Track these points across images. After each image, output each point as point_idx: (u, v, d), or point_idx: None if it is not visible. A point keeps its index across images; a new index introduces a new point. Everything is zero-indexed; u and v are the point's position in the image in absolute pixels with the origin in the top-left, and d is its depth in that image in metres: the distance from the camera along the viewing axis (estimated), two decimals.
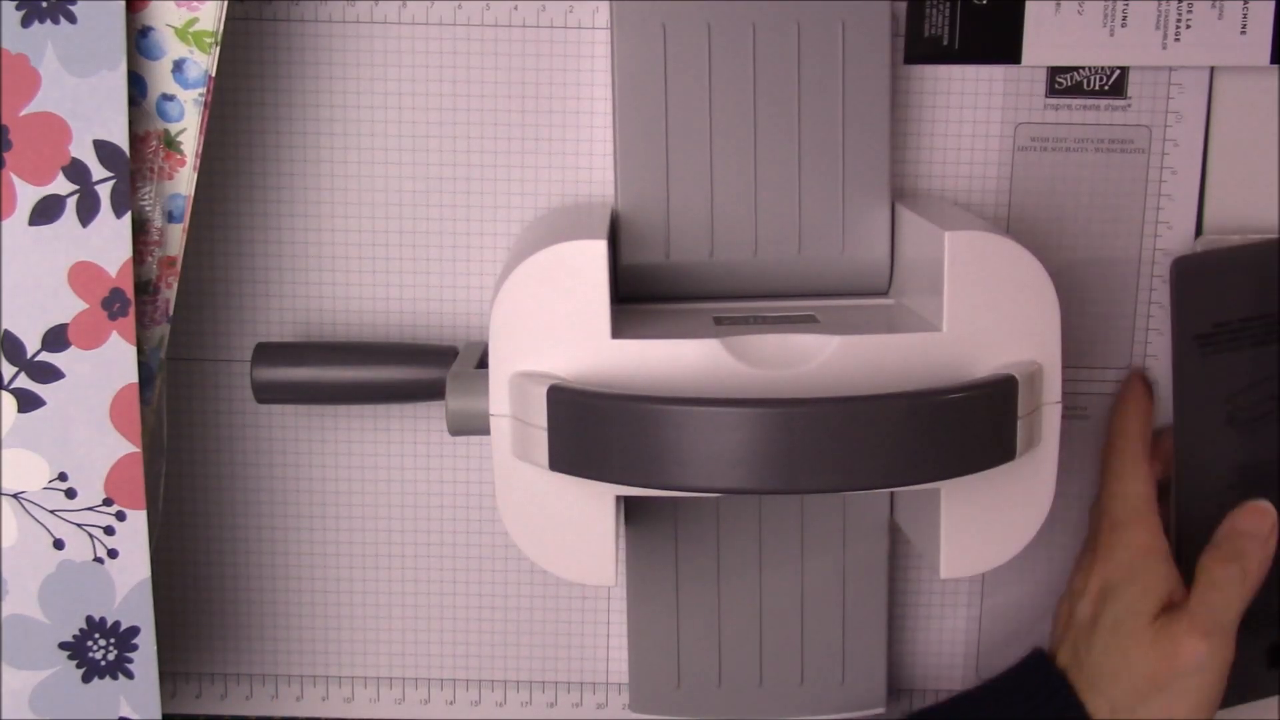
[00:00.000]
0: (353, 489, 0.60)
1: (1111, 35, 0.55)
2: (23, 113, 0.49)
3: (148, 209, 0.51)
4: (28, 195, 0.49)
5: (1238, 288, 0.56)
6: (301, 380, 0.55)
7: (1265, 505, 0.55)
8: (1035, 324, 0.49)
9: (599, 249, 0.48)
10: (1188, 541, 0.57)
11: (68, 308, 0.50)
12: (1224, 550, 0.55)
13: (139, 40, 0.50)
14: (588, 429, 0.46)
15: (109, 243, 0.49)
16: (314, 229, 0.58)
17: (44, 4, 0.48)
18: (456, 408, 0.51)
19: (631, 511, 0.58)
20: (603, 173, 0.57)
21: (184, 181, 0.51)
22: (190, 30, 0.50)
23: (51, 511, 0.51)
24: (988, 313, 0.48)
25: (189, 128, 0.51)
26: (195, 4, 0.49)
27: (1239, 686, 0.59)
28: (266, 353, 0.55)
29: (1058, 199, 0.58)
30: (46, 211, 0.49)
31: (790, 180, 0.54)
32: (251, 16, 0.56)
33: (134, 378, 0.50)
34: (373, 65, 0.56)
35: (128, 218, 0.49)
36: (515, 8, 0.56)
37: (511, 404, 0.48)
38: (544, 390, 0.46)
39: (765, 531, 0.58)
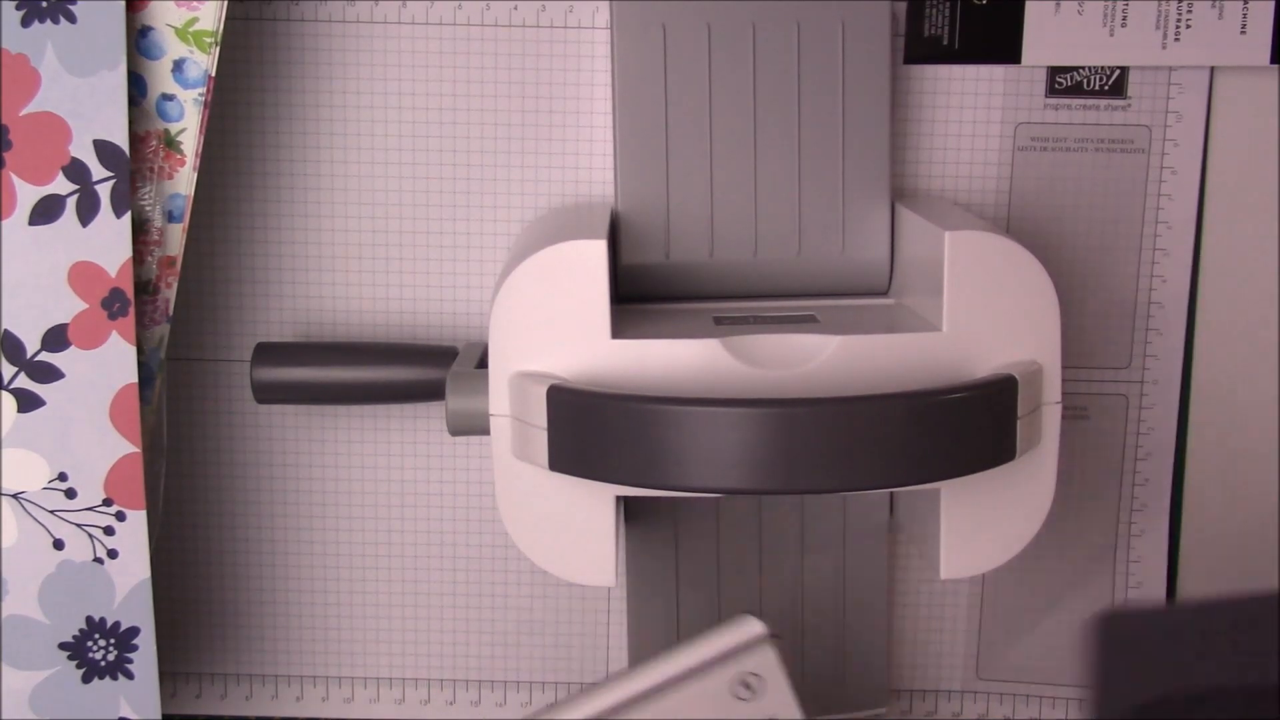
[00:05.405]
0: (353, 489, 0.60)
1: (1111, 35, 0.55)
2: (23, 113, 0.49)
3: (148, 209, 0.51)
4: (28, 195, 0.49)
5: (1178, 655, 0.40)
6: (301, 380, 0.55)
7: None
8: (1035, 324, 0.49)
9: (599, 249, 0.48)
10: None
11: (68, 308, 0.50)
12: None
13: (139, 40, 0.50)
14: (588, 429, 0.46)
15: (109, 243, 0.49)
16: (314, 229, 0.58)
17: (44, 4, 0.48)
18: (456, 408, 0.51)
19: (631, 511, 0.57)
20: (603, 173, 0.57)
21: (184, 181, 0.51)
22: (190, 30, 0.50)
23: (51, 511, 0.51)
24: (988, 313, 0.48)
25: (189, 127, 0.51)
26: (195, 4, 0.49)
27: None
28: (266, 353, 0.55)
29: (1058, 199, 0.57)
30: (46, 211, 0.49)
31: (790, 180, 0.54)
32: (251, 16, 0.56)
33: (134, 378, 0.50)
34: (373, 65, 0.56)
35: (128, 218, 0.49)
36: (515, 8, 0.56)
37: (511, 404, 0.48)
38: (544, 390, 0.46)
39: (765, 531, 0.58)
